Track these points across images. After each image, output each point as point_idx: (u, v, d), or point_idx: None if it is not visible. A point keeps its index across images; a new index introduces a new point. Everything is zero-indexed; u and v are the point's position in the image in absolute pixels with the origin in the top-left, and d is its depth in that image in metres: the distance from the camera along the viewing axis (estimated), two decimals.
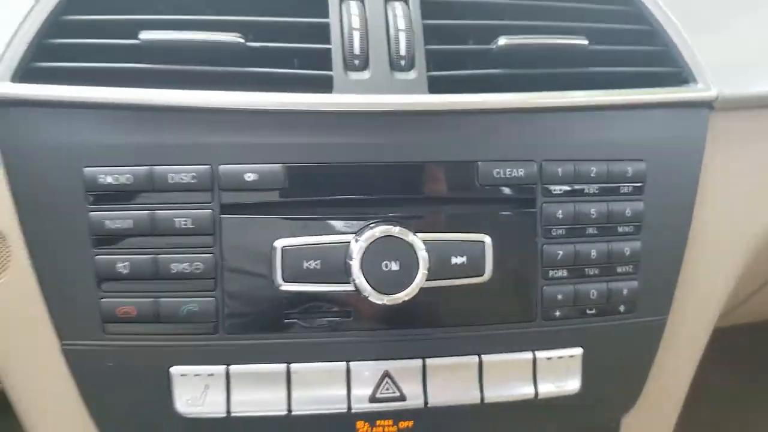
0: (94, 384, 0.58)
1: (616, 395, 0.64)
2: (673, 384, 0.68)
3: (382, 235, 0.55)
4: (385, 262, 0.55)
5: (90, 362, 0.58)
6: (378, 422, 0.60)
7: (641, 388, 0.65)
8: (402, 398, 0.59)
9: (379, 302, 0.55)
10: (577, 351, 0.62)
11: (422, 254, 0.55)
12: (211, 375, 0.57)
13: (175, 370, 0.57)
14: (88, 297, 0.56)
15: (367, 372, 0.59)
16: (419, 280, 0.55)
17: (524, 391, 0.60)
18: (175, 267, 0.56)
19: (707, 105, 0.65)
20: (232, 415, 0.57)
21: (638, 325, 0.63)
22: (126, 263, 0.56)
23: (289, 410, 0.58)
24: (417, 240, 0.55)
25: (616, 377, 0.64)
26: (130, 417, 0.59)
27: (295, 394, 0.58)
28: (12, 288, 0.58)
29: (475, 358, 0.60)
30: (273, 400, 0.58)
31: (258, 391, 0.58)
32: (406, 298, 0.55)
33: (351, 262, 0.55)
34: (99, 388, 0.58)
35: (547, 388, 0.61)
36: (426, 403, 0.59)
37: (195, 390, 0.57)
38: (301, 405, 0.58)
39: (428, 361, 0.59)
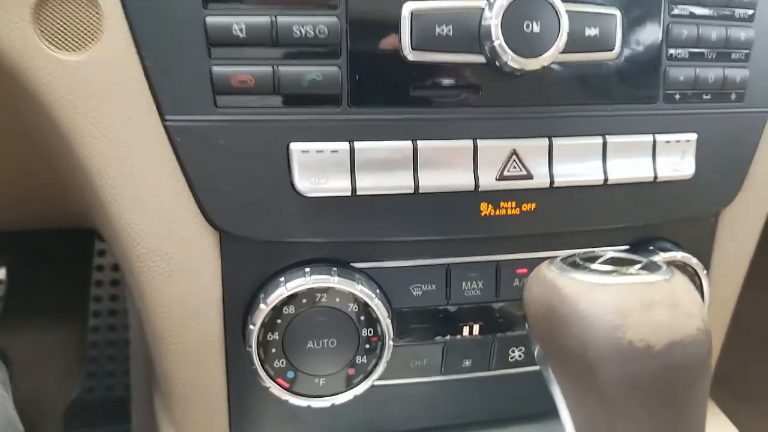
0: (203, 165, 0.53)
1: (721, 185, 0.65)
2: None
3: None
4: (526, 22, 0.52)
5: (198, 141, 0.53)
6: (501, 204, 0.58)
7: (743, 180, 0.65)
8: (529, 176, 0.57)
9: (517, 66, 0.52)
10: (693, 136, 0.61)
11: (564, 16, 0.52)
12: (335, 152, 0.54)
13: (296, 146, 0.53)
14: (196, 64, 0.51)
15: (494, 150, 0.56)
16: (561, 43, 0.52)
17: (644, 173, 0.60)
18: (298, 30, 0.51)
19: None
20: (358, 193, 0.55)
21: (745, 115, 0.63)
22: (242, 25, 0.51)
23: (416, 188, 0.55)
24: (558, 1, 0.52)
25: (722, 167, 0.64)
26: (244, 200, 0.54)
27: (421, 172, 0.55)
28: (105, 58, 0.51)
29: (600, 139, 0.59)
30: (399, 178, 0.55)
31: (383, 168, 0.55)
32: (546, 63, 0.53)
33: (491, 23, 0.51)
34: (208, 170, 0.53)
35: (666, 171, 0.60)
36: (552, 182, 0.58)
37: (317, 168, 0.54)
38: (428, 182, 0.56)
39: (554, 140, 0.57)
